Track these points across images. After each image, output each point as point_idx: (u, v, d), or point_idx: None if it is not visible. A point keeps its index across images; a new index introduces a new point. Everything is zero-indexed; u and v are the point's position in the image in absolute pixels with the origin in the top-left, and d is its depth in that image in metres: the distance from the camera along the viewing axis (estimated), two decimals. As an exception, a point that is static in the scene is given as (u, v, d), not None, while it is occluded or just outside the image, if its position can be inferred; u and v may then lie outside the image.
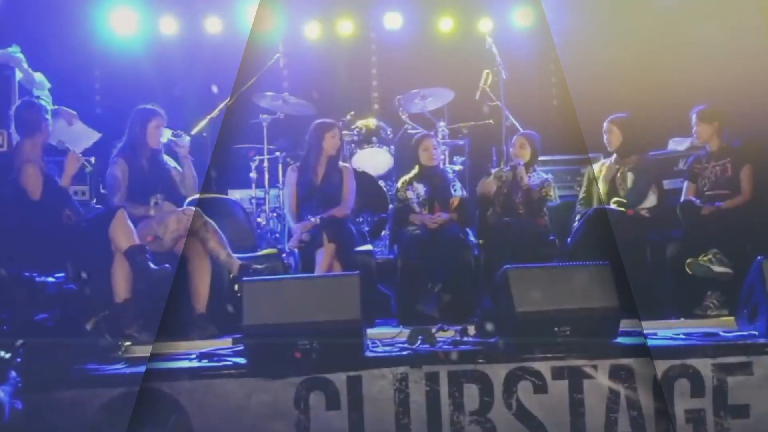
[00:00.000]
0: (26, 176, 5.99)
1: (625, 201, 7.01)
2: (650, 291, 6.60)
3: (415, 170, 7.35)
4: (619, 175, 7.17)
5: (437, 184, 7.26)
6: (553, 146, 8.10)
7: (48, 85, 7.36)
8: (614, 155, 7.28)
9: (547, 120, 8.51)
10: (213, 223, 6.36)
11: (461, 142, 8.49)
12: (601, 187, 7.22)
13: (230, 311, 5.90)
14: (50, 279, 5.27)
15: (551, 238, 7.11)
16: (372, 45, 9.82)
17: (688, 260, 6.49)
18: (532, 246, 6.87)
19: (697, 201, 6.83)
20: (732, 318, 5.91)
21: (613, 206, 7.00)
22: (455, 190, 7.27)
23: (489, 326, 5.43)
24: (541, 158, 7.73)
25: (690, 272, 6.48)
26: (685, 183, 7.13)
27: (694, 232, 6.64)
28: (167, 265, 6.02)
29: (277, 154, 8.30)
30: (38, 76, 7.31)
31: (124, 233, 5.97)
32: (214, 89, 8.38)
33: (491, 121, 8.32)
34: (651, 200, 7.08)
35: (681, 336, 5.51)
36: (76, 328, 5.21)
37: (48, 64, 7.49)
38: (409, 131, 8.37)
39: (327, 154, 7.11)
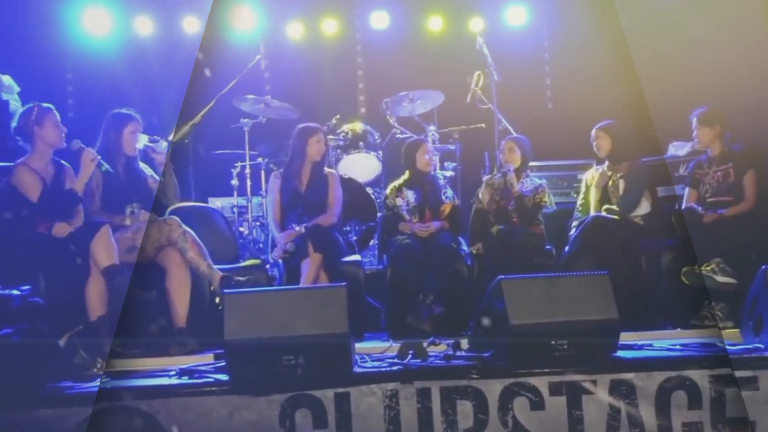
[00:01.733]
0: (18, 179, 6.09)
1: (616, 208, 7.04)
2: (649, 302, 6.68)
3: (405, 176, 7.36)
4: (611, 182, 7.20)
5: (428, 191, 7.28)
6: (549, 151, 8.15)
7: (17, 88, 7.35)
8: (606, 162, 7.33)
9: (542, 123, 8.56)
10: (192, 232, 6.35)
11: (452, 147, 8.51)
12: (594, 194, 7.26)
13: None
14: (15, 292, 5.25)
15: (548, 247, 7.14)
16: (358, 46, 9.86)
17: (685, 269, 6.52)
18: (528, 255, 6.89)
19: (699, 208, 6.85)
20: (737, 330, 5.92)
21: (603, 214, 7.04)
22: (447, 197, 7.29)
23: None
24: (536, 164, 7.74)
25: (687, 282, 6.51)
26: (686, 189, 7.16)
27: (696, 240, 6.63)
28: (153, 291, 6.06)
29: (260, 160, 8.32)
30: (6, 79, 7.30)
31: (105, 250, 5.95)
32: (207, 73, 8.34)
33: (483, 124, 8.35)
34: (644, 207, 7.11)
35: (677, 347, 5.52)
36: (45, 344, 5.19)
37: (17, 67, 7.48)
38: (398, 136, 8.40)
39: (311, 159, 7.12)
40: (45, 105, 6.28)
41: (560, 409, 4.97)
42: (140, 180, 6.56)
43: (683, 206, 7.03)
